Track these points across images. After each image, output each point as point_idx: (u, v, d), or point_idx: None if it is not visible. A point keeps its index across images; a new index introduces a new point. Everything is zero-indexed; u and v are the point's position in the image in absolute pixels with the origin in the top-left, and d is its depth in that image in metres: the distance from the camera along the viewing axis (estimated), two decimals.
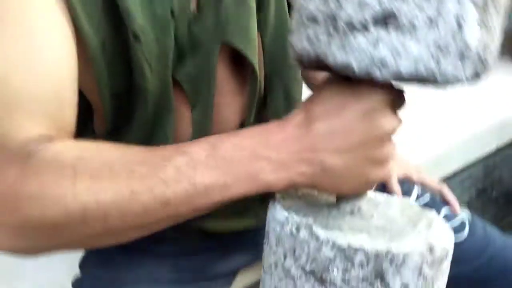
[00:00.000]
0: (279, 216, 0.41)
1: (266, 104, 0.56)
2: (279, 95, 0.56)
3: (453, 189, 0.71)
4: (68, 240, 0.38)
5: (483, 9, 0.34)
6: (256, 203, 0.61)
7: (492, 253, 0.67)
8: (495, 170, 1.30)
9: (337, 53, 0.36)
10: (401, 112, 0.40)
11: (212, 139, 0.39)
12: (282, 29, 0.54)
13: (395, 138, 0.40)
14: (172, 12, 0.44)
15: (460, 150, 1.12)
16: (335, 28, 0.36)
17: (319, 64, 0.38)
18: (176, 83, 0.48)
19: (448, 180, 1.13)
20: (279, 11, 0.53)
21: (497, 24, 0.36)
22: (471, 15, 0.34)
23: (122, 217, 0.36)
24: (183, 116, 0.51)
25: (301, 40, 0.39)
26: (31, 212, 0.36)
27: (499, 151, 1.26)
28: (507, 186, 1.37)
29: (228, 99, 0.54)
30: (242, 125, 0.56)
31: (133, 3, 0.42)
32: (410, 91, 0.39)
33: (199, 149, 0.38)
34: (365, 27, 0.35)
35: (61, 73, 0.40)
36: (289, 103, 0.57)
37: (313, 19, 0.37)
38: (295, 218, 0.40)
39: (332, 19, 0.36)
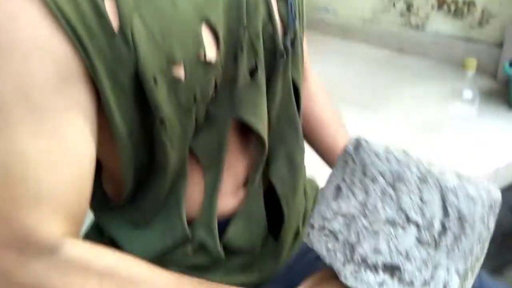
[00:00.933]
0: None
1: (269, 166, 0.59)
2: (282, 161, 0.60)
3: None
4: None
5: (464, 277, 0.41)
6: (261, 259, 0.63)
7: None
8: None
9: (349, 277, 0.43)
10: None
11: None
12: (287, 103, 0.58)
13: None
14: (194, 99, 0.48)
15: None
16: (352, 255, 0.43)
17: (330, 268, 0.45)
18: (190, 153, 0.52)
19: None
20: (285, 89, 0.57)
21: (470, 283, 0.44)
22: (455, 282, 0.41)
23: None
24: (195, 180, 0.54)
25: (320, 245, 0.45)
26: None
27: None
28: (504, 227, 1.38)
29: (236, 161, 0.57)
30: (247, 183, 0.59)
31: (161, 95, 0.45)
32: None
33: None
34: (375, 268, 0.42)
35: (84, 170, 0.43)
36: (291, 169, 0.61)
37: (335, 236, 0.44)
38: None
39: (351, 247, 0.43)
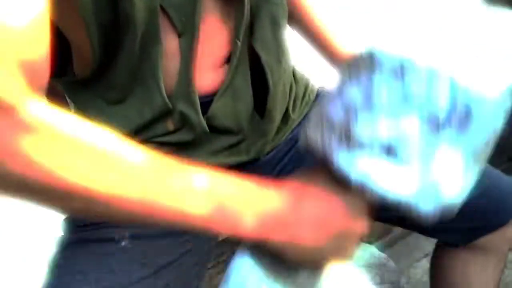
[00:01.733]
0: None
1: (253, 33, 0.56)
2: (266, 21, 0.56)
3: None
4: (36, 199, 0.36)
5: (467, 164, 0.41)
6: (248, 139, 0.61)
7: (487, 186, 0.66)
8: None
9: (341, 162, 0.42)
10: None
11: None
12: None
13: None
14: None
15: None
16: (348, 141, 0.42)
17: (323, 159, 0.43)
18: (163, 13, 0.48)
19: None
20: None
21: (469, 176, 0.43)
22: (456, 168, 0.41)
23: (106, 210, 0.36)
24: (170, 48, 0.51)
25: (316, 135, 0.44)
26: (15, 169, 0.32)
27: None
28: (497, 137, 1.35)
29: (215, 28, 0.54)
30: (229, 59, 0.55)
31: None
32: None
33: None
34: (371, 150, 0.41)
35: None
36: (275, 30, 0.58)
37: (332, 125, 0.44)
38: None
39: (347, 134, 0.43)
